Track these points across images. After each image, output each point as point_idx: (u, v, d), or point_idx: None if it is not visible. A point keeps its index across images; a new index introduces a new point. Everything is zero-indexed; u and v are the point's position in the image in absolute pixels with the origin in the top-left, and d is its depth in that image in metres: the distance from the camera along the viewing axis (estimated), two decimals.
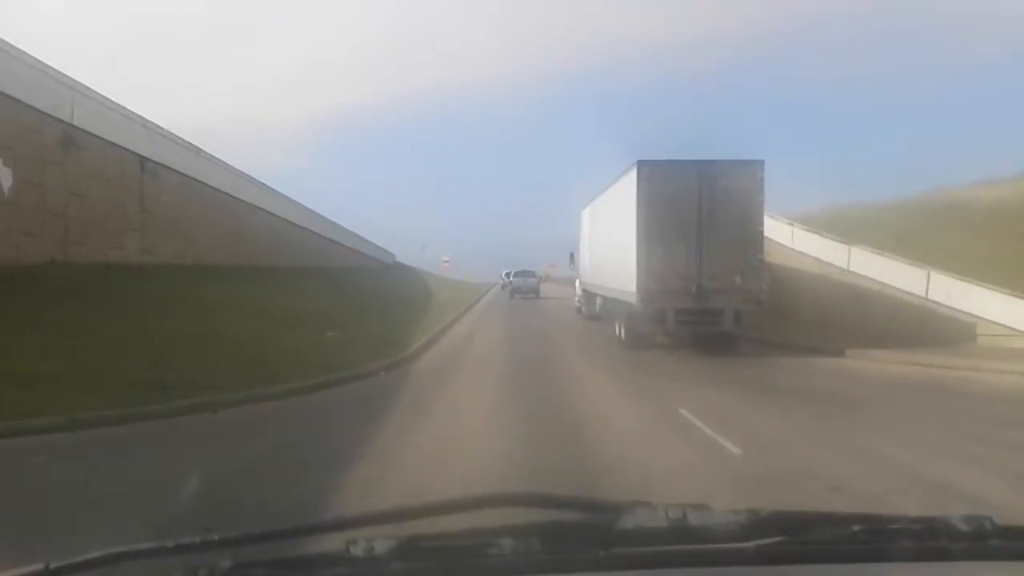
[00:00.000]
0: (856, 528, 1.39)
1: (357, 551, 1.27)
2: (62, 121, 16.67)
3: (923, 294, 19.17)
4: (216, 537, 1.58)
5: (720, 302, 15.76)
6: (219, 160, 26.36)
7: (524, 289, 47.23)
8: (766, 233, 16.79)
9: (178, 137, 23.19)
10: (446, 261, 74.76)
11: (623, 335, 17.76)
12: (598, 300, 23.58)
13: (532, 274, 50.24)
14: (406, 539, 1.31)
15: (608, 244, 20.41)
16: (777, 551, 1.32)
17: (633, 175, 16.43)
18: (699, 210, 15.84)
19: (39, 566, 1.27)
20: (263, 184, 31.13)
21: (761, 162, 16.05)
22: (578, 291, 29.42)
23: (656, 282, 15.78)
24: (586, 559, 1.32)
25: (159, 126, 21.82)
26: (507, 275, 54.50)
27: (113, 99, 19.36)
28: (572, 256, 31.06)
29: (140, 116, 20.76)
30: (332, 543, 1.32)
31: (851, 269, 21.64)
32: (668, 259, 15.85)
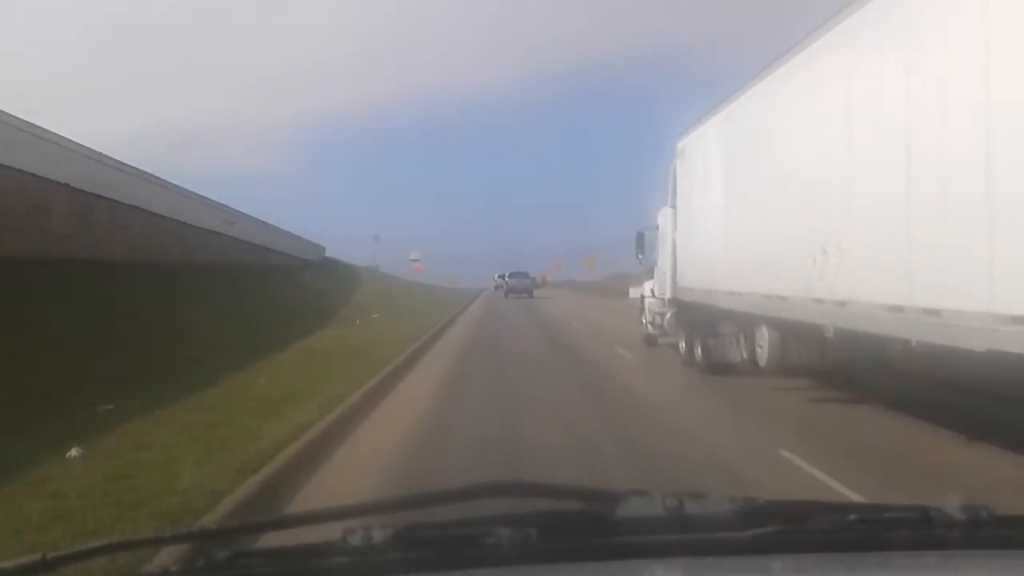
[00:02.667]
0: (852, 517, 1.39)
1: (355, 540, 1.27)
2: None
3: None
4: (214, 527, 1.59)
5: None
6: None
7: (518, 289, 50.83)
8: None
9: None
10: (416, 260, 59.84)
11: None
12: (767, 337, 9.99)
13: (525, 275, 54.64)
14: (403, 528, 1.32)
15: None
16: (773, 540, 1.33)
17: None
18: None
19: (36, 557, 1.27)
20: None
21: None
22: (651, 306, 16.21)
23: None
24: (583, 548, 1.33)
25: None
26: (500, 277, 57.58)
27: None
28: (640, 240, 16.56)
29: None
30: (329, 532, 1.32)
31: None
32: None
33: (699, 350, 12.42)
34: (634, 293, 19.27)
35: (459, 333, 23.00)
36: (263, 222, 37.40)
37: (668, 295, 14.46)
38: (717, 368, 11.69)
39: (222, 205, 30.89)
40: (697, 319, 12.67)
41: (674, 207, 14.30)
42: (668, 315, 14.69)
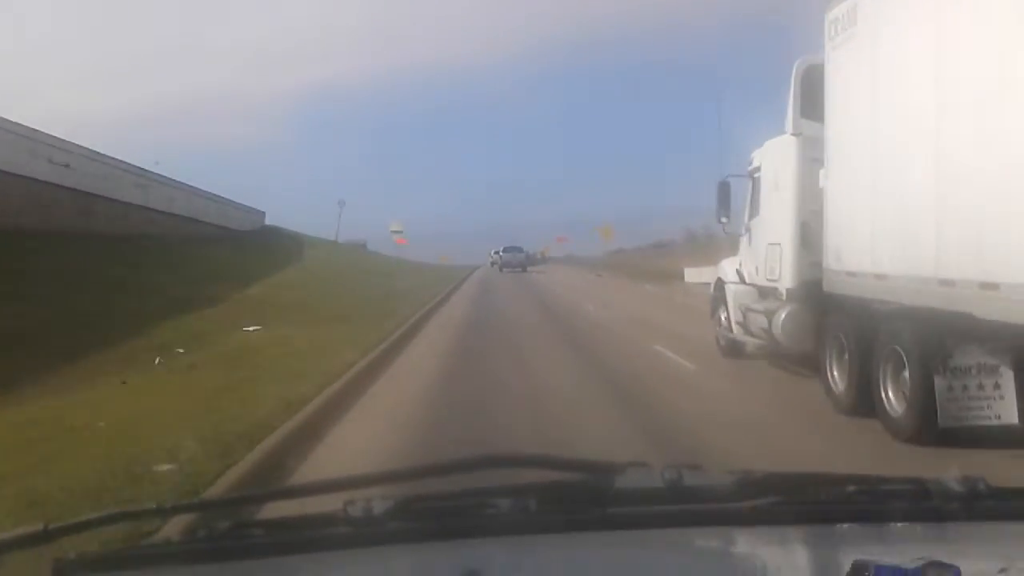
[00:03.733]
0: (850, 489, 1.40)
1: (355, 511, 1.28)
2: None
3: None
4: (216, 498, 1.59)
5: None
6: None
7: (512, 263, 50.86)
8: None
9: None
10: (397, 232, 54.06)
11: None
12: None
13: (519, 249, 54.29)
14: (404, 499, 1.32)
15: None
16: (772, 511, 1.34)
17: None
18: None
19: (38, 527, 1.28)
20: None
21: None
22: (739, 297, 10.76)
23: None
24: (582, 519, 1.33)
25: None
26: (497, 253, 56.86)
27: None
28: (723, 194, 11.52)
29: None
30: (330, 503, 1.32)
31: None
32: None
33: (888, 394, 6.66)
34: (694, 276, 13.71)
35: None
36: (144, 172, 26.00)
37: (788, 282, 9.14)
38: (952, 435, 5.97)
39: (53, 138, 20.31)
40: (884, 333, 6.89)
41: (799, 135, 9.06)
42: (782, 315, 9.02)
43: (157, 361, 11.05)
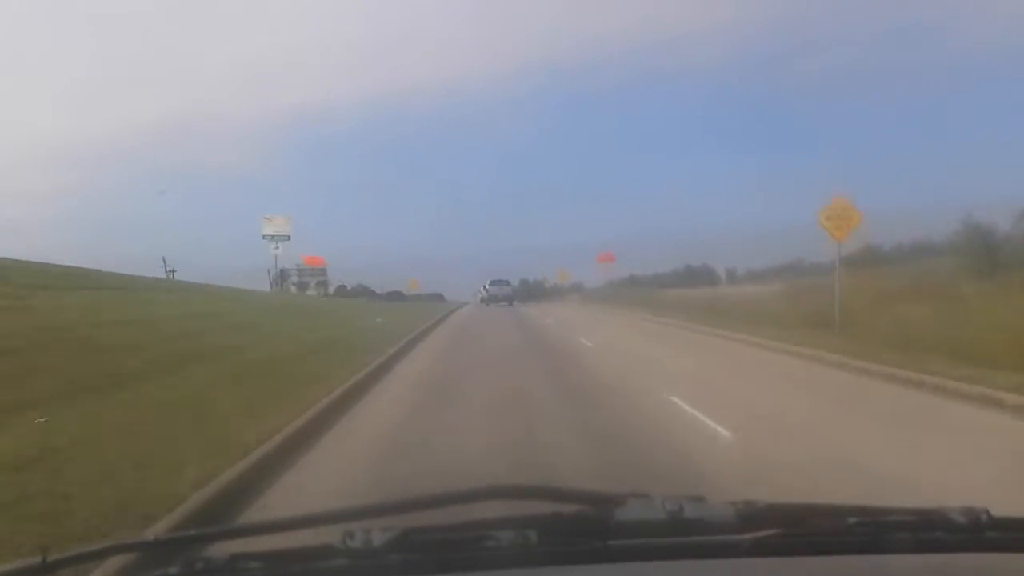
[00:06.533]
0: (852, 520, 1.39)
1: (355, 543, 1.27)
2: None
3: None
4: (214, 529, 1.58)
5: None
6: None
7: (499, 297, 48.45)
8: None
9: None
10: (277, 237, 46.94)
11: None
12: None
13: (506, 283, 51.57)
14: (404, 531, 1.31)
15: None
16: (774, 543, 1.33)
17: None
18: None
19: (36, 559, 1.27)
20: None
21: None
22: None
23: None
24: (583, 551, 1.32)
25: None
26: (484, 287, 53.61)
27: None
28: None
29: None
30: (329, 535, 1.32)
31: None
32: None
33: None
34: None
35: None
36: None
37: None
38: None
39: None
40: None
41: None
42: None
43: None
